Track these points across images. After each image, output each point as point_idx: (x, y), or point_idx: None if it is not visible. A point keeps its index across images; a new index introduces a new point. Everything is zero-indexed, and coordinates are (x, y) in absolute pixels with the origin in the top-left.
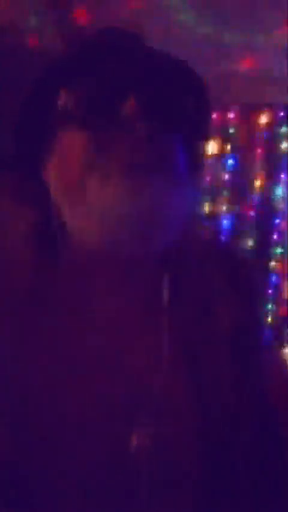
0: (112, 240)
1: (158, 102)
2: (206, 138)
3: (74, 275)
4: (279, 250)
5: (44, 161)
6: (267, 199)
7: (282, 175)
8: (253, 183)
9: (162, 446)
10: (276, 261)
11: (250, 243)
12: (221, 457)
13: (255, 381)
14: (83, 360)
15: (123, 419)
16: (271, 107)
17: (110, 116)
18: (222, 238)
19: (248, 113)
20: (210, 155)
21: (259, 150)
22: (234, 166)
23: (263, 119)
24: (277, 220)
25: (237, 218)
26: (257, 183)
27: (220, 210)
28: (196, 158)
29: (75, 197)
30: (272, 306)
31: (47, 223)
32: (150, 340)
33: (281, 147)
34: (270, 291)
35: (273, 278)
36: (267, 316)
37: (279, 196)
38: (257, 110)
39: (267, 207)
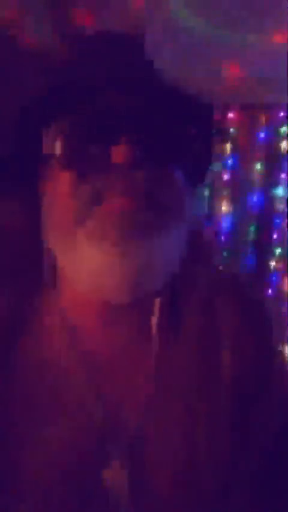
0: (99, 289)
1: (155, 144)
2: (209, 165)
3: (64, 311)
4: (279, 250)
5: (40, 192)
6: (267, 199)
7: (282, 175)
8: (253, 183)
9: (138, 482)
10: (276, 261)
11: (250, 243)
12: (200, 499)
13: (263, 427)
14: (68, 385)
15: (98, 453)
16: (271, 107)
17: (100, 162)
18: (232, 270)
19: (248, 113)
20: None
21: (259, 150)
22: (234, 166)
23: (263, 119)
24: (277, 220)
25: (237, 218)
26: (257, 183)
27: (220, 210)
28: (199, 178)
29: (66, 245)
30: (271, 305)
31: (39, 256)
32: (137, 374)
33: (281, 147)
34: (270, 291)
35: (273, 278)
36: None
37: (279, 196)
38: (257, 110)
39: (267, 207)
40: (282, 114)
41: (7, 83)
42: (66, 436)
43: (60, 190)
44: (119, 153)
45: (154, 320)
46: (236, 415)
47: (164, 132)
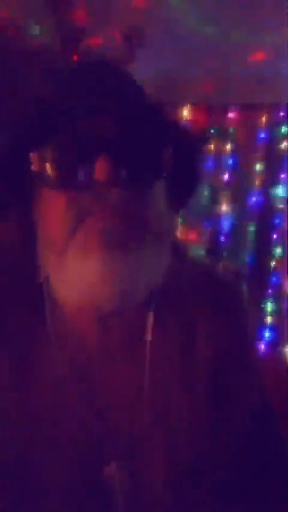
0: (91, 300)
1: (133, 160)
2: (196, 180)
3: (58, 322)
4: (279, 250)
5: (33, 211)
6: (267, 199)
7: (282, 175)
8: (253, 183)
9: (134, 481)
10: (276, 261)
11: (250, 243)
12: (196, 493)
13: (244, 410)
14: (65, 394)
15: (96, 453)
16: (271, 107)
17: (85, 181)
18: (209, 265)
19: (248, 113)
20: (210, 155)
21: (259, 150)
22: (234, 166)
23: (263, 119)
24: (277, 220)
25: (237, 218)
26: (257, 183)
27: (220, 210)
28: (183, 202)
29: (56, 259)
30: (272, 305)
31: (32, 270)
32: (130, 378)
33: (281, 147)
34: (270, 291)
35: (273, 278)
36: (267, 316)
37: (279, 196)
38: (257, 110)
39: (267, 207)
40: (282, 114)
41: (6, 82)
42: (67, 441)
43: (49, 209)
44: (99, 171)
45: (144, 327)
46: (217, 400)
47: (142, 153)
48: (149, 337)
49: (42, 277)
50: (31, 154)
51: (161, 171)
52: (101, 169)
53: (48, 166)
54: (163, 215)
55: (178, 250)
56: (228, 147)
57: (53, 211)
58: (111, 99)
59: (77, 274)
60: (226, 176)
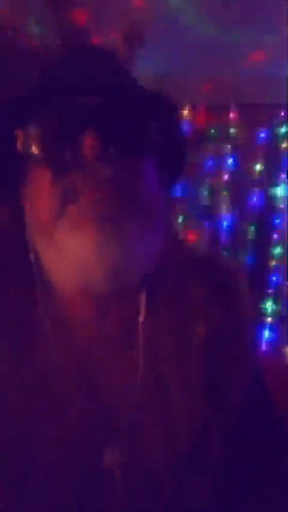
0: (84, 279)
1: (121, 136)
2: (183, 160)
3: (50, 304)
4: (279, 250)
5: (21, 192)
6: (267, 199)
7: (282, 175)
8: (253, 183)
9: (134, 462)
10: (276, 261)
11: (250, 243)
12: (195, 471)
13: (241, 391)
14: (60, 379)
15: (96, 436)
16: (271, 107)
17: (73, 157)
18: (203, 248)
19: (248, 113)
20: (210, 155)
21: (259, 150)
22: (234, 166)
23: (263, 119)
24: (277, 220)
25: (237, 218)
26: (257, 183)
27: (220, 210)
28: (173, 180)
29: (47, 239)
30: (272, 305)
31: (23, 253)
32: (125, 360)
33: (281, 147)
34: (270, 291)
35: (273, 278)
36: (267, 316)
37: (279, 196)
38: (257, 110)
39: (267, 207)
40: (282, 114)
41: (6, 82)
42: (64, 424)
43: (38, 188)
44: (86, 145)
45: (138, 309)
46: (213, 380)
47: (128, 126)
48: (141, 318)
49: (33, 258)
50: (18, 132)
51: (148, 144)
52: (88, 145)
53: (35, 143)
54: (153, 192)
55: (173, 233)
56: (228, 147)
57: (42, 189)
58: (95, 74)
59: (67, 253)
60: (226, 176)
